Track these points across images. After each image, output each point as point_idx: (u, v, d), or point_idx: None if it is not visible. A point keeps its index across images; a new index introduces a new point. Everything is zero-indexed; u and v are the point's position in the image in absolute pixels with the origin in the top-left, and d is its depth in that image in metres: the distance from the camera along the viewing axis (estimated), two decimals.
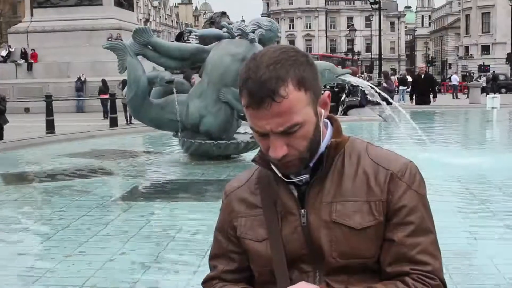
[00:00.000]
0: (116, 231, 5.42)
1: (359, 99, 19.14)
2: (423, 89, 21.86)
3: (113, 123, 18.37)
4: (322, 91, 1.50)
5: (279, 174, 1.53)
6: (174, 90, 9.25)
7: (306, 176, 1.52)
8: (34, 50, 31.46)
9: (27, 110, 27.22)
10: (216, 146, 8.98)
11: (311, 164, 1.52)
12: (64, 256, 4.57)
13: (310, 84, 1.44)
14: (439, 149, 9.90)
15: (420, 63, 35.40)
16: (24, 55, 31.65)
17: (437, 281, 1.46)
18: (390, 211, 1.49)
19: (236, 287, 1.59)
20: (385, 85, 23.27)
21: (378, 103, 11.64)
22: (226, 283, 1.61)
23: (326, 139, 1.54)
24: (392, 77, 46.85)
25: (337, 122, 1.60)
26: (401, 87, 32.31)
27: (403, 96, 31.12)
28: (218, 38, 9.47)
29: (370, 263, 1.50)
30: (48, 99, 17.52)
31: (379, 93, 10.39)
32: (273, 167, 1.53)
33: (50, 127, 16.45)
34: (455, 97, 37.53)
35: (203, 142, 9.00)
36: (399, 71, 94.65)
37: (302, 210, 1.51)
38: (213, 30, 10.15)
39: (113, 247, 4.78)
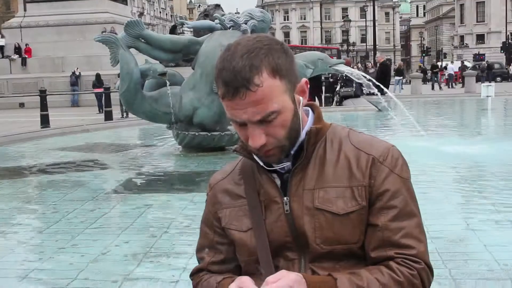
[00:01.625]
0: (109, 223, 5.42)
1: (354, 89, 19.13)
2: (377, 79, 21.18)
3: (108, 116, 18.33)
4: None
5: (261, 163, 1.51)
6: (167, 83, 9.22)
7: (288, 163, 1.51)
8: (27, 45, 31.33)
9: (21, 105, 27.18)
10: (210, 137, 8.97)
11: (292, 152, 1.50)
12: (56, 248, 4.55)
13: (286, 72, 1.42)
14: (433, 138, 9.91)
15: (379, 54, 35.25)
16: (18, 50, 31.52)
17: (422, 264, 1.44)
18: (373, 195, 1.47)
19: (222, 277, 1.58)
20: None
21: (372, 93, 11.65)
22: (212, 274, 1.60)
23: (307, 126, 1.52)
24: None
25: (318, 109, 1.58)
26: (396, 77, 32.37)
27: (401, 86, 31.19)
28: (211, 29, 9.45)
29: (355, 249, 1.48)
30: (43, 94, 17.46)
31: (373, 83, 10.40)
32: (254, 156, 1.51)
33: (44, 121, 16.40)
34: (450, 86, 37.60)
35: (196, 134, 8.99)
36: (394, 62, 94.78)
37: (285, 198, 1.50)
38: (206, 22, 10.15)
39: (106, 240, 4.76)
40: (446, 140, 9.97)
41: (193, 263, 1.70)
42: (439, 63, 46.72)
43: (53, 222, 5.37)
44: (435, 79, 37.93)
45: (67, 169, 8.37)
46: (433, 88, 36.51)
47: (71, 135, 12.70)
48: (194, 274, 1.65)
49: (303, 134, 1.50)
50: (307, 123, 1.53)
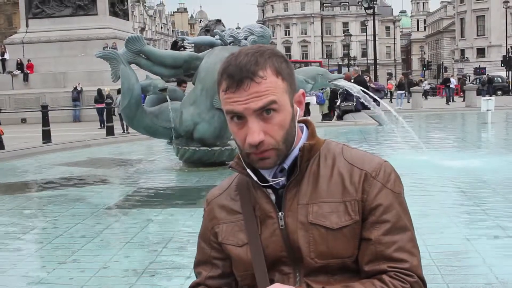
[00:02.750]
0: (110, 238, 5.43)
1: (354, 103, 19.16)
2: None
3: (109, 132, 18.39)
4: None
5: (255, 178, 1.54)
6: (168, 98, 9.27)
7: (283, 179, 1.54)
8: (29, 60, 31.47)
9: (23, 120, 27.26)
10: (210, 152, 9.00)
11: (286, 167, 1.53)
12: (57, 263, 4.58)
13: (287, 76, 1.48)
14: (433, 152, 9.94)
15: (353, 68, 35.02)
16: (20, 65, 31.66)
17: (415, 277, 1.46)
18: (365, 210, 1.50)
19: None
20: (372, 85, 23.13)
21: (368, 108, 11.70)
22: None
23: (301, 141, 1.56)
24: (389, 81, 47.39)
25: (312, 125, 1.61)
26: (398, 91, 32.44)
27: (401, 100, 31.23)
28: (211, 45, 9.52)
29: (349, 263, 1.50)
30: (44, 109, 17.54)
31: (372, 98, 10.44)
32: (249, 172, 1.54)
33: (46, 137, 16.45)
34: (451, 100, 37.61)
35: (197, 149, 9.02)
36: (395, 76, 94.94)
37: (280, 213, 1.52)
38: (206, 38, 10.20)
39: (106, 255, 4.78)
40: (446, 154, 10.00)
41: (193, 278, 1.73)
42: (451, 78, 46.68)
43: (54, 237, 5.40)
44: (448, 92, 37.16)
45: (69, 185, 8.40)
46: (448, 102, 35.16)
47: (73, 150, 12.74)
48: None
49: (296, 150, 1.53)
50: (301, 139, 1.56)
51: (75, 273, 4.35)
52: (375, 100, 10.39)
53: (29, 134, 19.13)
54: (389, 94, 41.18)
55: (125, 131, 19.29)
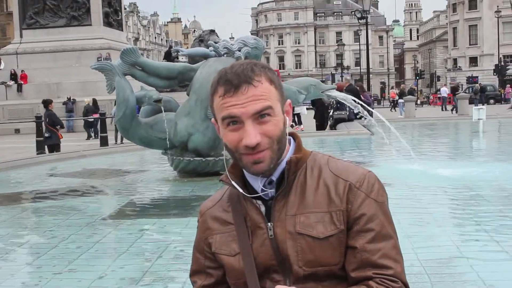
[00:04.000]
0: (106, 248, 5.50)
1: (347, 113, 19.26)
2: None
3: (104, 142, 18.42)
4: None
5: (241, 191, 1.62)
6: (162, 109, 9.34)
7: (272, 190, 1.61)
8: (23, 71, 31.51)
9: (17, 131, 27.24)
10: (205, 163, 9.07)
11: (275, 179, 1.61)
12: (53, 274, 4.64)
13: (279, 86, 1.58)
14: (425, 160, 10.03)
15: (344, 78, 34.96)
16: (13, 76, 31.70)
17: (399, 283, 1.54)
18: (350, 219, 1.57)
19: None
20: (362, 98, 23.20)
21: (362, 117, 11.80)
22: None
23: (288, 154, 1.64)
24: (392, 90, 47.61)
25: (298, 138, 1.69)
26: (400, 100, 32.57)
27: (402, 109, 31.17)
28: (205, 56, 9.60)
29: (336, 270, 1.57)
30: (38, 120, 17.56)
31: (364, 108, 10.54)
32: (236, 185, 1.63)
33: (40, 147, 16.47)
34: (444, 109, 37.78)
35: (191, 159, 9.09)
36: (388, 85, 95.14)
37: (269, 224, 1.60)
38: (200, 49, 10.30)
39: (102, 265, 4.84)
40: (437, 163, 10.10)
41: (188, 286, 1.81)
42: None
43: (50, 248, 5.44)
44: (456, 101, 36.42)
45: (65, 195, 8.44)
46: (454, 111, 33.03)
47: (68, 160, 12.76)
48: None
49: (284, 163, 1.61)
50: (289, 152, 1.64)
51: (72, 283, 4.41)
52: (367, 110, 10.49)
53: (23, 144, 19.14)
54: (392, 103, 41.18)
55: (118, 142, 19.32)
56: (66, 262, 4.95)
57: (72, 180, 9.98)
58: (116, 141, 19.76)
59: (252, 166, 1.56)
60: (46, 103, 16.74)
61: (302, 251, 1.56)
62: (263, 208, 1.63)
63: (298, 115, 23.55)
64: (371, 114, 12.12)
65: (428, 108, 42.76)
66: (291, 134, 1.69)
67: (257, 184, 1.62)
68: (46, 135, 15.83)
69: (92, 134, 24.22)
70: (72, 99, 29.04)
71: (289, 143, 1.66)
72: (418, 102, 46.14)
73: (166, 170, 10.15)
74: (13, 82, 31.63)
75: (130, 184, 9.39)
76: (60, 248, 5.45)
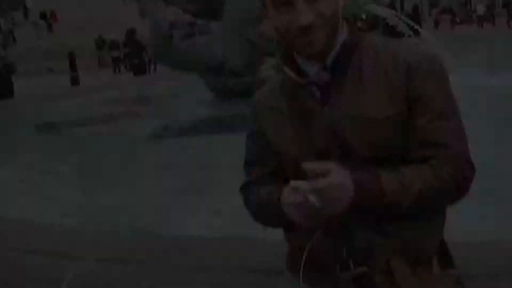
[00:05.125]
0: (151, 165, 5.58)
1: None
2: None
3: (139, 72, 18.44)
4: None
5: (296, 78, 1.55)
6: (197, 33, 9.26)
7: (327, 75, 1.54)
8: (52, 11, 31.49)
9: (50, 70, 27.42)
10: (241, 82, 8.99)
11: (329, 64, 1.53)
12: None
13: None
14: (467, 73, 9.73)
15: None
16: (43, 16, 31.74)
17: (463, 161, 1.48)
18: (410, 99, 1.50)
19: (270, 186, 1.61)
20: None
21: (403, 34, 11.44)
22: (261, 186, 1.64)
23: (343, 37, 1.55)
24: None
25: (351, 21, 1.62)
26: None
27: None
28: None
29: (395, 152, 1.51)
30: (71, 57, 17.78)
31: (405, 22, 10.24)
32: (290, 73, 1.55)
33: (76, 83, 16.68)
34: (480, 26, 36.63)
35: (228, 80, 9.03)
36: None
37: (325, 108, 1.54)
38: None
39: (147, 178, 4.91)
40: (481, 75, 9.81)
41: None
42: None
43: (95, 168, 5.54)
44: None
45: (102, 121, 8.53)
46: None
47: (103, 92, 12.84)
48: (243, 188, 1.70)
49: (338, 47, 1.53)
50: (343, 36, 1.55)
51: (115, 200, 4.46)
52: (413, 28, 10.09)
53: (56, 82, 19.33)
54: None
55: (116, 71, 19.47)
56: (111, 180, 5.01)
57: (109, 107, 10.04)
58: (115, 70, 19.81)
59: (306, 48, 1.49)
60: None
61: (361, 134, 1.50)
62: (318, 94, 1.56)
63: None
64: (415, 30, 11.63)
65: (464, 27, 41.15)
66: (343, 18, 1.60)
67: (311, 69, 1.55)
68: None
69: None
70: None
71: (343, 27, 1.58)
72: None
73: (203, 92, 10.13)
74: (43, 21, 31.71)
75: (169, 108, 9.40)
76: (103, 166, 5.53)
